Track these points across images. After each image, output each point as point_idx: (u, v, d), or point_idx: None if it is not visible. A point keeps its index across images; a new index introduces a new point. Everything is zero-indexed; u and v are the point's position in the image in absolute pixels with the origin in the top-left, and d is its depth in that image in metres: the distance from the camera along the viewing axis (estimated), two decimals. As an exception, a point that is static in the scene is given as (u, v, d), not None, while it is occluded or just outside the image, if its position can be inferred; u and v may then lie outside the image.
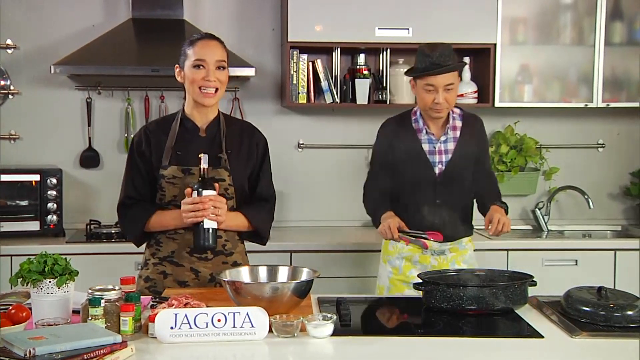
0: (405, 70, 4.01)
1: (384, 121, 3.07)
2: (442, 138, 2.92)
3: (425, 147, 2.93)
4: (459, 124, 2.95)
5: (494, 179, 3.09)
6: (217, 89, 2.52)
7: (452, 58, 2.83)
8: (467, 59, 4.09)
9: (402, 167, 2.95)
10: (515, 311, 2.31)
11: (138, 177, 2.58)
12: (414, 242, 2.82)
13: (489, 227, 2.79)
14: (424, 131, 2.93)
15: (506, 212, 2.88)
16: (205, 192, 2.40)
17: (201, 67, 2.50)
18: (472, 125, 2.98)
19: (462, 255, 3.02)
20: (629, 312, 2.14)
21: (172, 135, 2.57)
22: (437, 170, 2.92)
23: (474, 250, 3.09)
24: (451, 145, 2.93)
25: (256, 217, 2.64)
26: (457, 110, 2.98)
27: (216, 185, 2.47)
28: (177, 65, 2.58)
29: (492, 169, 3.09)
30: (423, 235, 2.79)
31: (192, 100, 2.57)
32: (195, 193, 2.41)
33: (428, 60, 2.81)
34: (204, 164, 2.42)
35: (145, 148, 2.57)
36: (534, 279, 2.39)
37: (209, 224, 2.41)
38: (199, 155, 2.44)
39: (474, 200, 3.05)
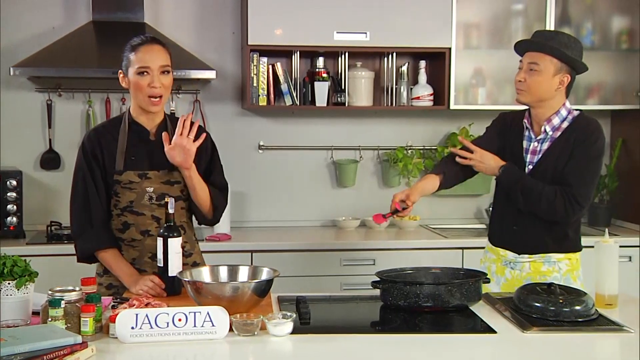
0: (363, 72, 4.12)
1: (503, 112, 2.91)
2: (541, 136, 2.68)
3: (525, 144, 2.72)
4: (565, 125, 2.65)
5: (574, 182, 2.58)
6: (161, 96, 2.50)
7: (557, 43, 2.57)
8: (422, 63, 4.16)
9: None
10: (470, 308, 2.36)
11: (101, 187, 2.52)
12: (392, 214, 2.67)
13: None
14: (525, 126, 2.73)
15: (502, 175, 2.65)
16: (171, 240, 2.40)
17: (145, 73, 2.46)
18: (578, 127, 2.64)
19: (544, 276, 2.66)
20: (577, 307, 2.21)
21: (123, 139, 2.53)
22: (527, 171, 2.69)
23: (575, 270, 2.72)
24: (546, 146, 2.67)
25: (217, 197, 2.65)
26: (575, 113, 2.67)
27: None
28: (120, 71, 2.52)
29: (582, 175, 2.61)
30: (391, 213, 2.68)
31: (138, 106, 2.54)
32: (160, 240, 2.41)
33: (530, 39, 2.68)
34: (170, 209, 2.41)
35: (98, 152, 2.52)
36: (487, 277, 2.44)
37: (174, 271, 2.39)
38: (166, 200, 2.44)
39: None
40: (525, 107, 2.77)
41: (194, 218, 2.72)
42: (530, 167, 2.69)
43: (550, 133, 2.67)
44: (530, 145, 2.72)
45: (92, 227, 2.52)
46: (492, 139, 2.82)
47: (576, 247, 2.73)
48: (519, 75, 2.66)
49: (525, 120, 2.74)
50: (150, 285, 2.41)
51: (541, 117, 2.69)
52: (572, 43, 2.63)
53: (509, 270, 2.74)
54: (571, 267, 2.72)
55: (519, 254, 2.73)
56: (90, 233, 2.53)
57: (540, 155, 2.68)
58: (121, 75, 2.53)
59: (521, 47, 2.71)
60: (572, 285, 2.60)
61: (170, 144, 2.47)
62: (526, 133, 2.73)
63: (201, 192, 2.57)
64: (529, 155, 2.71)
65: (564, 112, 2.68)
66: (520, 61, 2.70)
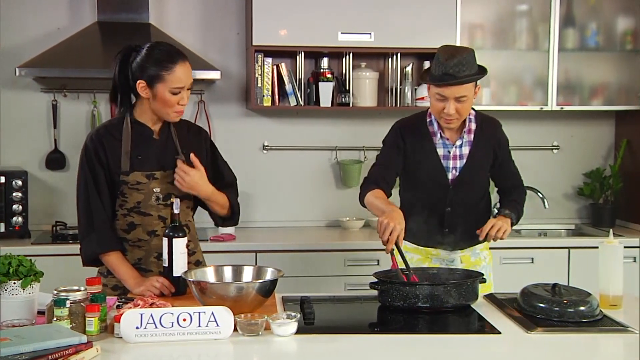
0: (367, 73, 4.14)
1: (397, 120, 2.88)
2: (458, 142, 2.76)
3: (440, 151, 2.77)
4: (473, 126, 2.79)
5: (517, 182, 2.92)
6: None
7: (470, 67, 2.61)
8: (427, 63, 4.14)
9: (414, 169, 2.81)
10: (474, 308, 2.37)
11: (105, 190, 2.52)
12: (394, 271, 2.50)
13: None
14: (439, 135, 2.77)
15: (513, 223, 2.74)
16: (176, 241, 2.40)
17: (179, 92, 2.47)
18: (488, 128, 2.82)
19: (475, 266, 2.83)
20: (582, 308, 2.21)
21: (127, 139, 2.53)
22: (450, 176, 2.77)
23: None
24: (466, 150, 2.77)
25: (235, 199, 2.70)
26: (473, 112, 2.80)
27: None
28: (141, 81, 2.47)
29: (515, 168, 2.92)
30: (406, 272, 2.49)
31: (151, 111, 2.53)
32: (165, 240, 2.41)
33: (441, 69, 2.60)
34: (175, 209, 2.42)
35: (101, 153, 2.52)
36: (484, 277, 2.46)
37: (179, 272, 2.40)
38: (171, 200, 2.45)
39: (490, 203, 2.94)
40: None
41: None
42: (455, 172, 2.77)
43: (466, 137, 2.78)
44: (449, 151, 2.77)
45: (93, 231, 2.51)
46: (396, 157, 2.81)
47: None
48: (448, 108, 2.64)
49: (439, 131, 2.77)
50: (158, 286, 2.41)
51: (455, 126, 2.76)
52: (472, 55, 2.64)
53: (444, 267, 2.79)
54: (490, 257, 2.93)
55: (451, 251, 2.84)
56: (92, 236, 2.52)
57: (465, 160, 2.77)
58: (142, 85, 2.47)
59: (438, 81, 2.64)
60: (491, 273, 2.90)
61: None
62: (439, 141, 2.77)
63: (218, 203, 2.62)
64: (450, 161, 2.77)
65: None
66: (439, 94, 2.64)
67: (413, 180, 2.84)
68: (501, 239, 2.68)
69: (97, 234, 2.51)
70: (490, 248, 2.96)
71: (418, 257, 2.87)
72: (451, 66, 2.59)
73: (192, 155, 2.52)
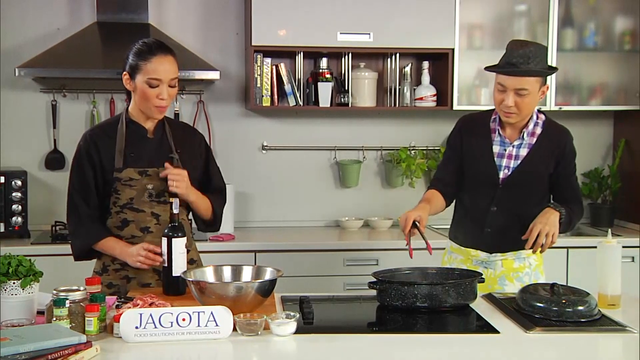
0: (366, 73, 4.14)
1: (462, 116, 2.89)
2: (516, 142, 2.71)
3: (496, 148, 2.73)
4: (538, 130, 2.71)
5: (577, 195, 2.79)
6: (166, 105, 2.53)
7: (536, 62, 2.57)
8: (426, 63, 4.17)
9: (468, 164, 2.79)
10: (473, 308, 2.37)
11: (90, 187, 2.55)
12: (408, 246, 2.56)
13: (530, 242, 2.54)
14: (497, 132, 2.74)
15: (562, 218, 2.60)
16: (175, 240, 2.41)
17: (156, 85, 2.47)
18: (554, 136, 2.73)
19: (517, 272, 2.75)
20: (580, 308, 2.22)
21: (121, 137, 2.55)
22: (501, 175, 2.71)
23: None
24: (524, 152, 2.70)
25: (218, 204, 2.71)
26: (542, 117, 2.74)
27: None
28: (125, 72, 2.52)
29: (577, 185, 2.82)
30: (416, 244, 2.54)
31: (140, 109, 2.56)
32: (165, 240, 2.42)
33: (505, 58, 2.61)
34: (175, 209, 2.43)
35: (93, 152, 2.54)
36: (482, 276, 2.46)
37: (178, 271, 2.41)
38: (170, 200, 2.45)
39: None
40: (487, 109, 2.84)
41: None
42: (507, 171, 2.72)
43: (527, 139, 2.72)
44: (505, 150, 2.73)
45: (82, 225, 2.56)
46: (456, 154, 2.82)
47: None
48: (507, 100, 2.61)
49: (498, 127, 2.75)
50: (143, 255, 2.45)
51: (518, 125, 2.72)
52: (542, 51, 2.63)
53: (482, 270, 2.75)
54: (539, 262, 2.81)
55: (491, 254, 2.77)
56: (79, 230, 2.56)
57: (520, 161, 2.71)
58: (126, 77, 2.53)
59: (499, 69, 2.65)
60: (540, 279, 2.76)
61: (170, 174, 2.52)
62: (497, 138, 2.74)
63: (202, 207, 2.64)
64: (504, 160, 2.73)
65: (534, 116, 2.73)
66: (500, 84, 2.63)
67: (465, 176, 2.81)
68: (552, 243, 2.55)
69: (85, 227, 2.55)
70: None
71: (460, 257, 2.85)
72: (515, 56, 2.57)
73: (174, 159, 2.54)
